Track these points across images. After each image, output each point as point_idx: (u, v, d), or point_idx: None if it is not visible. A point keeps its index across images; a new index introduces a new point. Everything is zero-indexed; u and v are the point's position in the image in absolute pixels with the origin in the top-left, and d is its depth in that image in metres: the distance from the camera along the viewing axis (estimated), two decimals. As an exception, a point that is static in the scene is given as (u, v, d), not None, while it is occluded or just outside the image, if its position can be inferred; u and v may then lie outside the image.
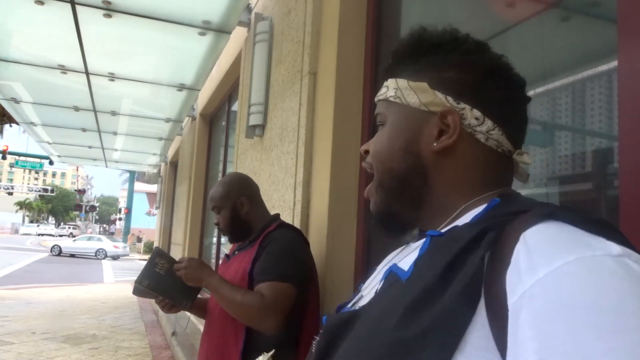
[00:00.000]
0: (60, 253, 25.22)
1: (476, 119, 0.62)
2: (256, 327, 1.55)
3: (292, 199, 2.31)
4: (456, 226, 0.60)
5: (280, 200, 2.46)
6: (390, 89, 0.69)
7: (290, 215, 2.28)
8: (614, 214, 0.91)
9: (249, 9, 3.52)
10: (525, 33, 1.33)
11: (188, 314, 1.95)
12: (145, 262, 1.73)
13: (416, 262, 0.58)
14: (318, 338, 0.65)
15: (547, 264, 0.44)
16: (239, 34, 3.84)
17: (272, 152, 2.70)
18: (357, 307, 0.65)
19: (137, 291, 1.72)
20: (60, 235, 56.00)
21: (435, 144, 0.63)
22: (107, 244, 25.83)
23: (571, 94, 1.16)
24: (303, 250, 1.72)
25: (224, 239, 5.26)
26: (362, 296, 0.69)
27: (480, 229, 0.52)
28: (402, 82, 0.67)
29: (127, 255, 26.74)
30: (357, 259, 1.98)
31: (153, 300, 1.79)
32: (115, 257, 25.40)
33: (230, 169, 5.05)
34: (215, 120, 6.38)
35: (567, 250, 0.45)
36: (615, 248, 0.45)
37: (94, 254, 24.95)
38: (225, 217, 1.78)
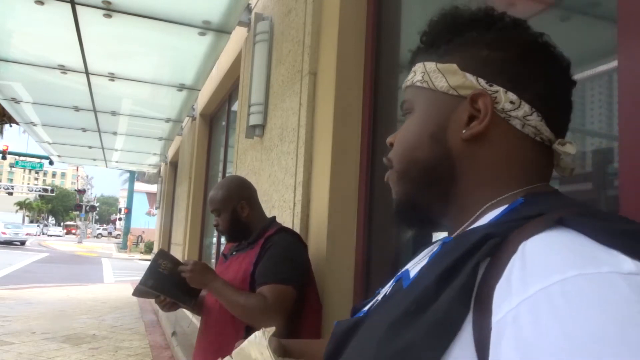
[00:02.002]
0: None
1: (511, 102, 0.56)
2: (259, 327, 1.59)
3: (292, 199, 2.30)
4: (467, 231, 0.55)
5: (280, 200, 2.46)
6: (418, 73, 0.63)
7: (290, 215, 2.28)
8: (614, 214, 0.91)
9: (249, 9, 3.52)
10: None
11: (189, 314, 1.97)
12: (147, 262, 1.76)
13: (421, 269, 0.54)
14: (328, 343, 0.62)
15: (540, 280, 0.38)
16: (239, 34, 3.84)
17: (272, 152, 2.70)
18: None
19: (137, 292, 1.75)
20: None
21: (464, 131, 0.57)
22: None
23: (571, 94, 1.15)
24: (302, 253, 1.78)
25: (224, 239, 5.26)
26: (377, 300, 0.64)
27: (483, 234, 0.47)
28: (430, 65, 0.61)
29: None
30: (357, 259, 1.98)
31: (153, 301, 1.82)
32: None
33: (230, 169, 5.04)
34: (215, 120, 6.38)
35: (568, 264, 0.38)
36: (628, 264, 0.37)
37: None
38: (226, 219, 1.82)
